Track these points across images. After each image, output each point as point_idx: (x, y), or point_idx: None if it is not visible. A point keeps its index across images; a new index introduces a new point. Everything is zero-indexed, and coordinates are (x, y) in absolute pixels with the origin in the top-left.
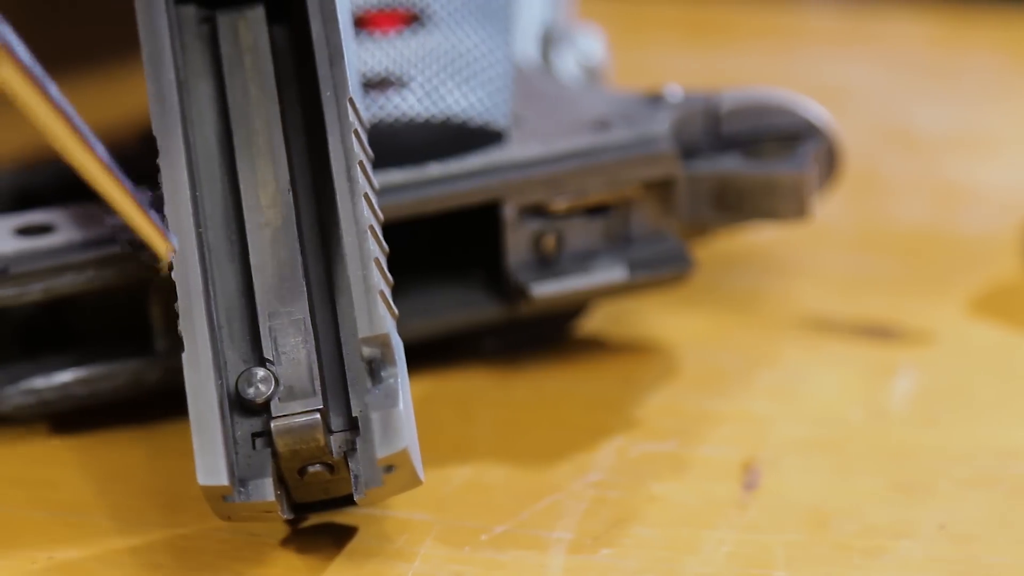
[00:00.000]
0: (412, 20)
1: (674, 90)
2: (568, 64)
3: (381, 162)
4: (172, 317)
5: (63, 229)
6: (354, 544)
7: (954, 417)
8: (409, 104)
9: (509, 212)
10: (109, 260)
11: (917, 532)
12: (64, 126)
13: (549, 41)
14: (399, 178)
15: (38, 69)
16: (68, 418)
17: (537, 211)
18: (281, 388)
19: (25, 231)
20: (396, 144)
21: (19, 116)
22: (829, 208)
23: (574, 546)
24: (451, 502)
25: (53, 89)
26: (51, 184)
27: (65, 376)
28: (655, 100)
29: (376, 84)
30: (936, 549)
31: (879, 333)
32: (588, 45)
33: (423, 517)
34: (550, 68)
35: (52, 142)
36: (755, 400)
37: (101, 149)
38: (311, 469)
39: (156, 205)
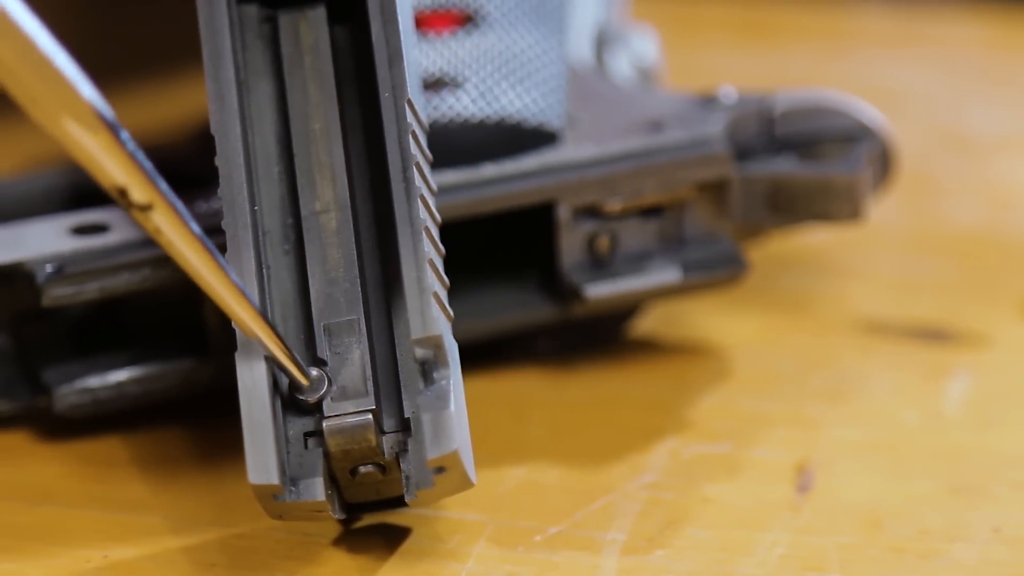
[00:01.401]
0: (466, 21)
1: (728, 91)
2: (622, 65)
3: (435, 162)
4: (226, 316)
5: (118, 228)
6: (407, 544)
7: (1009, 420)
8: (464, 105)
9: (563, 213)
10: (164, 260)
11: (972, 535)
12: (206, 260)
13: (603, 42)
14: (453, 179)
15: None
16: (122, 417)
17: (591, 212)
18: (334, 388)
19: (80, 230)
20: (450, 145)
21: None
22: (883, 210)
23: (628, 547)
24: (505, 503)
25: (194, 225)
26: None
27: (119, 375)
28: (709, 101)
29: (431, 85)
30: (991, 552)
31: (933, 336)
32: (641, 46)
33: (476, 517)
34: (604, 69)
35: (190, 274)
36: (809, 402)
37: (235, 277)
38: (363, 469)
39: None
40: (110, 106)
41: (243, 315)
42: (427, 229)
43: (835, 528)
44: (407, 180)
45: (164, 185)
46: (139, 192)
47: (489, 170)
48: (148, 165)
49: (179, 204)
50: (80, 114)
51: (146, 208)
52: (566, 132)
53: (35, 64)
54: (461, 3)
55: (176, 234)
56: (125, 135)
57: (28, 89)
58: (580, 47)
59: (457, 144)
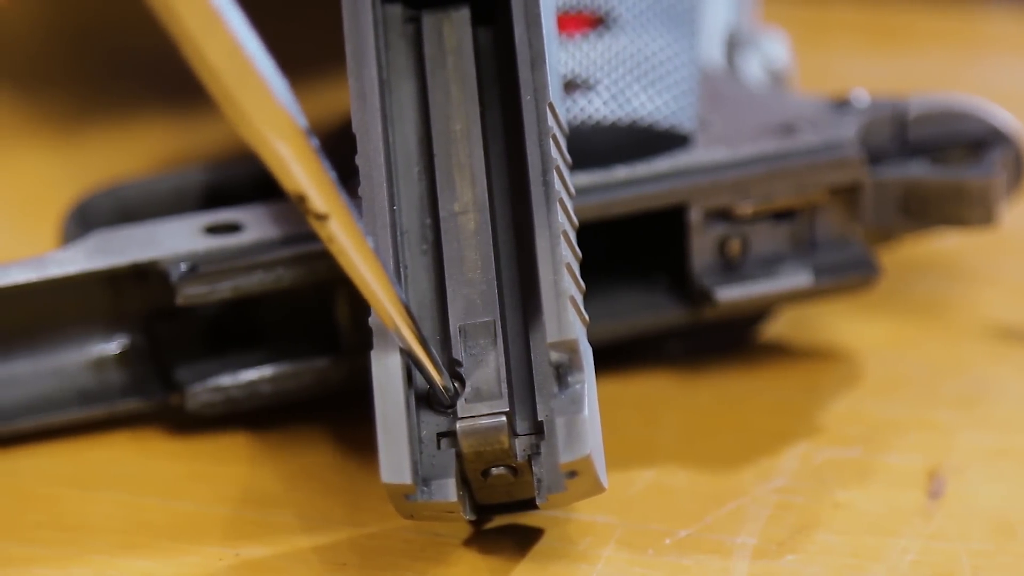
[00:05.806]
0: (598, 23)
1: (860, 95)
2: (753, 68)
3: None
4: (359, 316)
5: (252, 228)
6: (537, 547)
7: None
8: (595, 107)
9: (695, 216)
10: (297, 259)
11: None
12: (376, 274)
13: (734, 45)
14: (585, 181)
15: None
16: (255, 416)
17: (723, 215)
18: (468, 389)
19: (214, 229)
20: (582, 147)
21: (209, 115)
22: (1016, 215)
23: (758, 552)
24: (635, 505)
25: (369, 239)
26: (241, 182)
27: (252, 374)
28: (841, 105)
29: (563, 87)
30: None
31: None
32: (772, 49)
33: (607, 520)
34: (735, 72)
35: (357, 285)
36: (940, 408)
37: (400, 290)
38: (494, 471)
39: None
40: (303, 112)
41: (406, 333)
42: (565, 233)
43: (967, 534)
44: (547, 184)
45: (345, 196)
46: (319, 201)
47: (621, 172)
48: (332, 175)
49: (356, 216)
50: (275, 119)
51: (323, 217)
52: (698, 135)
53: (238, 65)
54: (593, 5)
55: (350, 245)
56: (315, 143)
57: (227, 89)
58: (711, 50)
59: (589, 146)
